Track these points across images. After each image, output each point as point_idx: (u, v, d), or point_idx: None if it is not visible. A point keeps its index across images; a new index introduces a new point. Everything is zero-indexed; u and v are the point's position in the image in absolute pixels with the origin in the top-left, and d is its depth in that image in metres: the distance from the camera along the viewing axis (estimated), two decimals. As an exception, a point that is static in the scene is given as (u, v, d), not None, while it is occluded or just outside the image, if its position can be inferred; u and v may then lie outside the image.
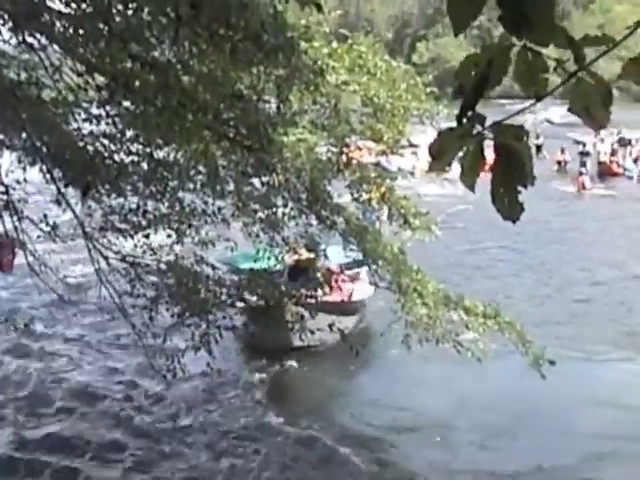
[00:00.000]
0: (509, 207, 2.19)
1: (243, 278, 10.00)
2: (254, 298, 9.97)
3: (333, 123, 10.18)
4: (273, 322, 11.32)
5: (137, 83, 7.81)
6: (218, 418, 12.69)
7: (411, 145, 12.28)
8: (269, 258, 10.62)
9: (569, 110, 2.11)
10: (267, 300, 10.15)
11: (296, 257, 13.91)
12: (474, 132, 2.12)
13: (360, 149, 12.62)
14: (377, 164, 20.48)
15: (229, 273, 10.15)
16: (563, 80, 2.05)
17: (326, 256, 11.41)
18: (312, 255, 13.28)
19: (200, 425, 12.34)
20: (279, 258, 10.84)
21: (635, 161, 38.43)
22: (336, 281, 15.46)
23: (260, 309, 11.31)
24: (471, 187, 2.20)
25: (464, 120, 2.13)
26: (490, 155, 2.19)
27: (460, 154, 2.16)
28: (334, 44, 9.96)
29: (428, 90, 10.47)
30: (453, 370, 12.81)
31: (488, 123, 2.13)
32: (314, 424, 12.58)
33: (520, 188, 2.22)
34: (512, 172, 2.13)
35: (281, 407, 13.24)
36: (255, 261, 11.10)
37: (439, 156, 2.16)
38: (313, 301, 11.59)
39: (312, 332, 10.81)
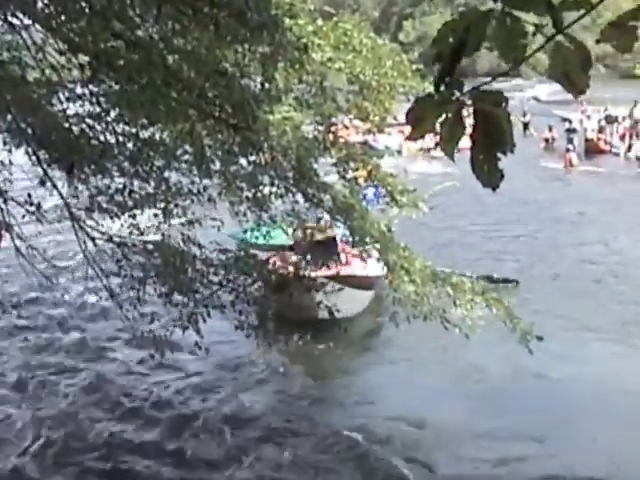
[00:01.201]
0: (489, 174, 2.17)
1: (230, 257, 9.98)
2: (242, 278, 9.95)
3: (319, 101, 10.15)
4: (297, 293, 11.29)
5: (120, 61, 7.76)
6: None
7: (398, 123, 12.27)
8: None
9: (549, 76, 2.10)
10: (255, 279, 10.12)
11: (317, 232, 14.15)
12: (453, 99, 2.10)
13: (347, 128, 12.61)
14: (364, 143, 20.50)
15: (216, 252, 10.12)
16: (541, 44, 2.03)
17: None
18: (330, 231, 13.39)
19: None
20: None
21: (622, 138, 38.47)
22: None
23: (283, 280, 11.37)
24: (451, 155, 2.18)
25: (442, 87, 2.11)
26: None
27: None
28: (319, 22, 9.92)
29: (414, 67, 10.44)
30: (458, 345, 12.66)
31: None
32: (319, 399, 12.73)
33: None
34: (491, 139, 2.11)
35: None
36: (272, 237, 11.20)
37: (417, 124, 2.14)
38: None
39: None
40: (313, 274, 12.70)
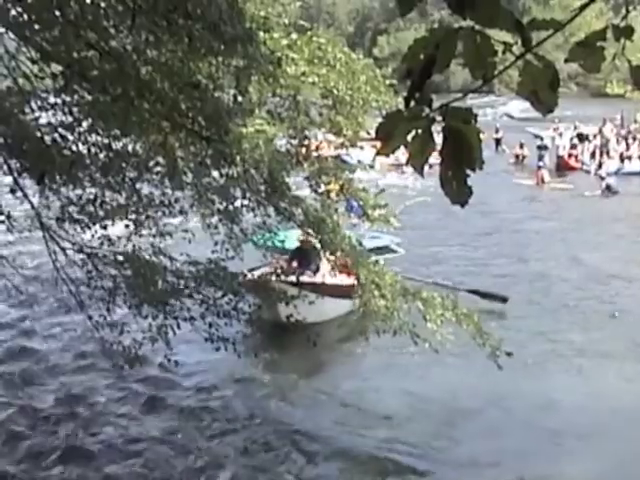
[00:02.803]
0: (457, 191, 2.18)
1: (200, 269, 9.94)
2: (212, 290, 9.91)
3: (292, 115, 10.18)
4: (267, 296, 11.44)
5: (93, 71, 7.74)
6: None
7: (371, 138, 12.29)
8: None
9: (518, 94, 2.12)
10: (225, 292, 10.08)
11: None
12: (423, 115, 2.11)
13: (320, 142, 12.66)
14: (337, 157, 20.59)
15: (187, 264, 10.07)
16: (510, 63, 2.05)
17: None
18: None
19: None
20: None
21: (592, 156, 38.86)
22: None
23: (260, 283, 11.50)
24: (420, 171, 2.20)
25: (411, 103, 2.12)
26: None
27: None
28: (293, 36, 9.96)
29: (388, 82, 10.50)
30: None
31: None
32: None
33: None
34: (460, 155, 2.13)
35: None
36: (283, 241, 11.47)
37: (387, 139, 2.15)
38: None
39: None
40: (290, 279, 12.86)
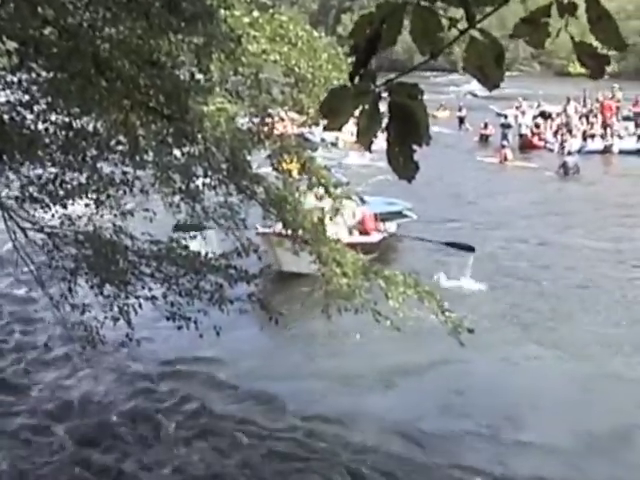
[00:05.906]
0: (404, 166, 2.19)
1: (162, 248, 9.91)
2: (173, 269, 9.89)
3: (254, 93, 10.12)
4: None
5: (50, 49, 7.66)
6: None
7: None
8: None
9: (463, 69, 2.13)
10: (187, 271, 10.05)
11: None
12: (369, 90, 2.11)
13: (283, 120, 12.63)
14: (300, 135, 20.58)
15: (148, 243, 10.04)
16: (454, 38, 2.06)
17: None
18: None
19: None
20: None
21: (555, 134, 39.08)
22: None
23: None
24: (367, 147, 2.20)
25: (357, 79, 2.13)
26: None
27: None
28: (255, 13, 9.89)
29: (349, 60, 10.47)
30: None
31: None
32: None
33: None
34: (407, 131, 2.13)
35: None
36: None
37: (332, 115, 2.15)
38: None
39: None
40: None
